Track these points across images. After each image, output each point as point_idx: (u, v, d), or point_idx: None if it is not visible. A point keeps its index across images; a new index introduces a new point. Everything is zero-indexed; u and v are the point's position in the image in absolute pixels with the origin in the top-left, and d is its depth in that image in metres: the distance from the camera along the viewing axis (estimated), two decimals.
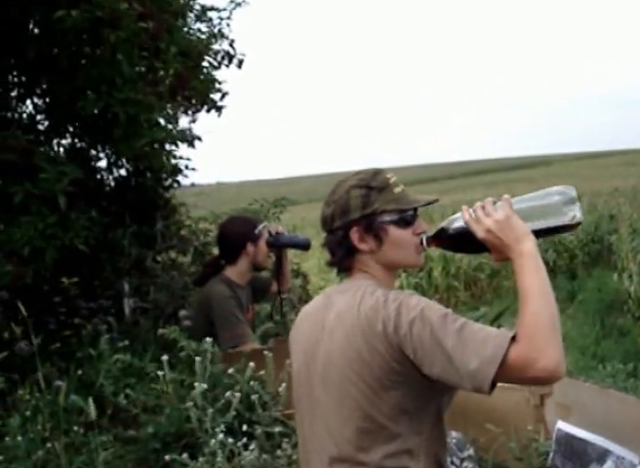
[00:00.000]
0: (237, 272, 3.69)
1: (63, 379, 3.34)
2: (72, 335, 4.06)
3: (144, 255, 4.92)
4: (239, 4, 5.62)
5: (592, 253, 11.87)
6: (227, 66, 5.56)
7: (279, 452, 2.67)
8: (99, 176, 5.15)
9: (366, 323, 1.67)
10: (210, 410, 2.77)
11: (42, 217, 3.67)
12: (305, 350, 1.87)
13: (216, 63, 5.50)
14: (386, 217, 1.80)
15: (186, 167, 5.25)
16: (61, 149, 4.89)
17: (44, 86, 4.61)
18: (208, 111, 5.46)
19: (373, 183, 1.82)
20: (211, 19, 5.47)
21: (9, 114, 4.64)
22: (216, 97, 5.49)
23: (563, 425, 2.37)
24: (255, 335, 3.66)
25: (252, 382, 2.95)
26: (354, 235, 1.81)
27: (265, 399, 2.94)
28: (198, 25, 5.43)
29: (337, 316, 1.77)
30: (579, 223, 1.79)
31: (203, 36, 5.39)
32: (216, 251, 4.15)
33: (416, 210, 1.85)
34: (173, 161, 5.09)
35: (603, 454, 2.18)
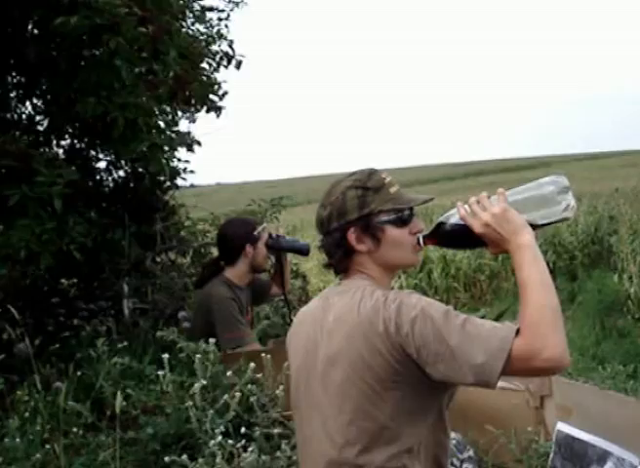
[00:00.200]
0: (236, 273, 3.69)
1: (63, 381, 3.34)
2: (71, 337, 4.06)
3: (144, 256, 4.92)
4: (237, 4, 5.62)
5: (592, 254, 11.85)
6: (226, 67, 5.56)
7: (278, 454, 2.67)
8: (98, 177, 5.15)
9: (367, 323, 1.67)
10: (210, 412, 2.77)
11: (39, 221, 3.66)
12: (304, 352, 1.86)
13: (215, 65, 5.49)
14: (384, 217, 1.80)
15: (185, 169, 5.25)
16: (60, 150, 4.89)
17: (43, 87, 4.60)
18: (207, 112, 5.46)
19: (369, 184, 1.81)
20: (210, 20, 5.47)
21: (8, 115, 4.64)
22: (215, 97, 5.49)
23: (563, 426, 2.36)
24: (254, 337, 3.66)
25: (249, 385, 2.94)
26: (352, 236, 1.80)
27: (263, 401, 2.93)
28: (197, 26, 5.43)
29: (336, 317, 1.77)
30: (573, 212, 1.80)
31: (202, 37, 5.38)
32: (215, 252, 4.15)
33: (412, 209, 1.85)
34: (172, 164, 5.09)
35: (603, 456, 2.17)
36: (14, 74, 4.67)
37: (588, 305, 8.73)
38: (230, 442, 2.65)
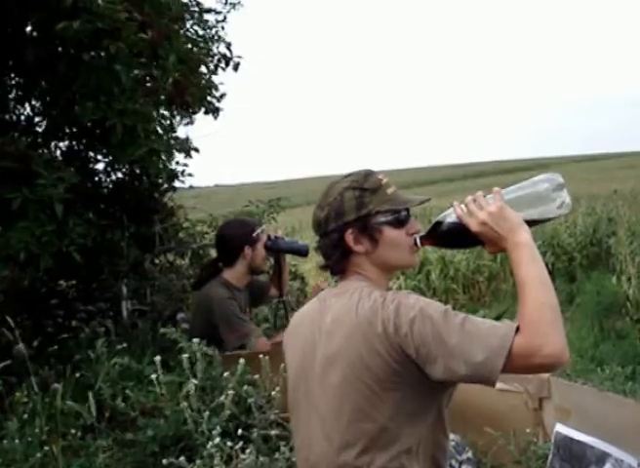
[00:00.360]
0: (235, 275, 3.69)
1: (61, 382, 3.34)
2: (70, 338, 4.06)
3: (142, 258, 4.92)
4: (234, 6, 5.63)
5: (591, 255, 11.85)
6: (224, 70, 5.57)
7: (277, 455, 2.67)
8: (96, 179, 5.15)
9: (365, 324, 1.67)
10: (206, 413, 2.77)
11: (39, 223, 3.66)
12: (301, 354, 1.86)
13: (212, 66, 5.50)
14: (381, 218, 1.80)
15: (183, 172, 5.26)
16: (59, 152, 4.89)
17: (43, 87, 4.60)
18: (205, 113, 5.47)
19: (366, 185, 1.82)
20: (207, 22, 5.48)
21: (7, 116, 4.64)
22: (212, 99, 5.50)
23: (562, 428, 2.36)
24: (259, 332, 3.65)
25: (245, 386, 2.94)
26: (349, 237, 1.80)
27: (260, 402, 2.93)
28: (196, 28, 5.44)
29: (334, 319, 1.77)
30: (568, 209, 1.82)
31: (200, 41, 5.39)
32: (214, 253, 4.15)
33: (408, 210, 1.86)
34: (170, 166, 5.09)
35: (602, 457, 2.17)
36: (12, 75, 4.67)
37: (587, 307, 8.73)
38: (229, 443, 2.65)
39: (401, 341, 1.61)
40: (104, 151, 4.95)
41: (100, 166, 5.17)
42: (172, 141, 4.90)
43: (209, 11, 5.52)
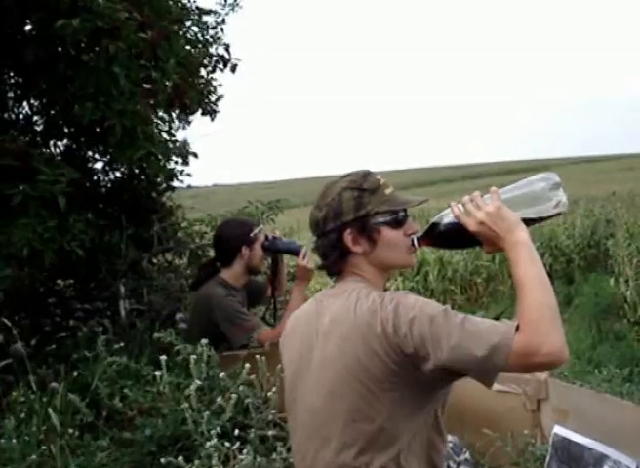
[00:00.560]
0: (232, 275, 3.69)
1: (59, 381, 3.33)
2: (68, 337, 4.05)
3: (140, 258, 4.91)
4: (233, 8, 5.64)
5: (589, 257, 11.87)
6: (222, 71, 5.58)
7: (274, 455, 2.67)
8: (95, 178, 5.14)
9: (364, 325, 1.67)
10: (205, 413, 2.77)
11: (41, 219, 3.67)
12: (298, 356, 1.86)
13: (210, 68, 5.51)
14: (380, 219, 1.81)
15: (182, 172, 5.25)
16: (58, 151, 4.89)
17: (42, 87, 4.60)
18: (203, 115, 5.47)
19: (365, 185, 1.82)
20: (206, 23, 5.48)
21: (5, 115, 4.64)
22: (211, 99, 5.51)
23: (560, 429, 2.36)
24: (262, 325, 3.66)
25: (241, 387, 2.94)
26: (348, 237, 1.81)
27: (257, 403, 2.93)
28: (195, 29, 5.44)
29: (331, 320, 1.77)
30: (564, 208, 1.83)
31: (200, 44, 5.39)
32: (212, 253, 4.15)
33: (406, 210, 1.86)
34: (168, 166, 5.09)
35: (599, 459, 2.17)
36: (12, 74, 4.67)
37: (585, 308, 8.74)
38: (227, 444, 2.65)
39: (400, 342, 1.61)
40: (103, 150, 4.95)
41: (99, 165, 5.17)
42: (170, 145, 4.89)
43: (208, 12, 5.52)
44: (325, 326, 1.78)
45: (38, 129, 4.80)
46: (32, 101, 4.79)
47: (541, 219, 1.86)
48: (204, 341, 3.09)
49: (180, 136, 5.36)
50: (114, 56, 3.79)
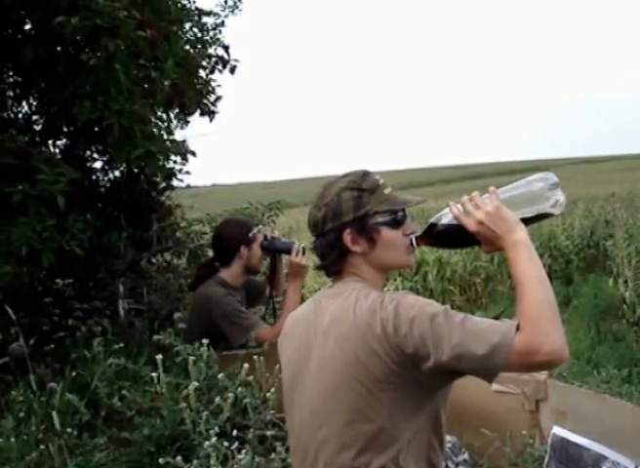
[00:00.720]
0: (231, 274, 3.69)
1: (57, 381, 3.33)
2: (66, 337, 4.05)
3: (139, 257, 4.91)
4: (232, 10, 5.64)
5: (588, 258, 11.88)
6: (221, 72, 5.58)
7: (273, 456, 2.67)
8: (94, 177, 5.15)
9: (363, 325, 1.66)
10: (204, 413, 2.77)
11: (40, 218, 3.67)
12: (297, 356, 1.86)
13: (209, 68, 5.51)
14: (379, 219, 1.81)
15: (180, 171, 5.26)
16: (57, 150, 4.89)
17: (41, 87, 4.60)
18: (201, 115, 5.48)
19: (364, 185, 1.82)
20: (206, 24, 5.49)
21: (5, 114, 4.64)
22: (209, 100, 5.51)
23: (558, 430, 2.36)
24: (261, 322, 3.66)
25: (240, 387, 2.94)
26: (347, 237, 1.80)
27: (255, 403, 2.93)
28: (194, 30, 5.44)
29: (331, 320, 1.76)
30: (562, 207, 1.84)
31: (199, 45, 5.40)
32: (211, 253, 4.15)
33: (404, 210, 1.86)
34: (167, 165, 5.09)
35: (598, 460, 2.17)
36: (11, 74, 4.67)
37: (584, 309, 8.75)
38: (225, 444, 2.65)
39: (400, 341, 1.61)
40: (102, 150, 4.95)
41: (98, 165, 5.17)
42: (168, 144, 4.90)
43: (208, 14, 5.53)
44: (324, 326, 1.78)
45: (37, 128, 4.81)
46: (31, 101, 4.79)
47: (540, 219, 1.87)
48: (204, 341, 3.10)
49: (178, 135, 5.37)
50: (113, 54, 3.79)
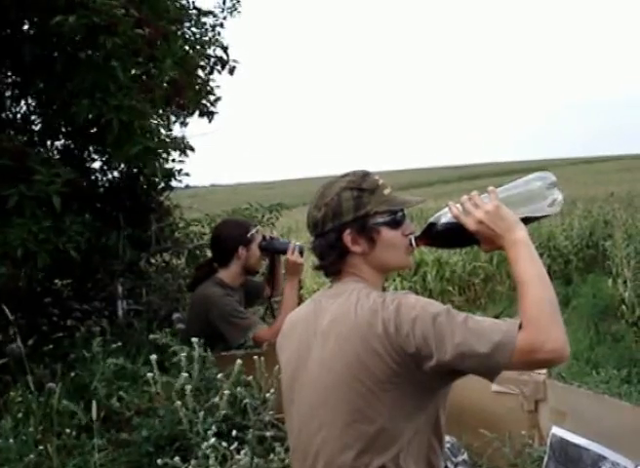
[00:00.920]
0: (229, 275, 3.69)
1: (56, 381, 3.33)
2: (65, 337, 4.05)
3: (138, 258, 4.91)
4: (231, 12, 5.64)
5: (587, 258, 11.89)
6: (220, 73, 5.58)
7: (272, 456, 2.66)
8: (92, 178, 5.14)
9: (364, 325, 1.66)
10: (201, 413, 2.76)
11: (36, 220, 3.66)
12: (297, 356, 1.85)
13: (208, 69, 5.51)
14: (379, 219, 1.81)
15: (179, 171, 5.25)
16: (55, 150, 4.88)
17: (39, 87, 4.59)
18: (200, 116, 5.48)
19: (364, 185, 1.82)
20: (205, 24, 5.48)
21: (3, 114, 4.63)
22: (208, 101, 5.51)
23: (557, 430, 2.36)
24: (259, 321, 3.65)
25: (239, 388, 2.94)
26: (347, 237, 1.81)
27: (254, 404, 2.92)
28: (194, 30, 5.44)
29: (331, 320, 1.76)
30: (559, 207, 1.85)
31: (197, 45, 5.39)
32: (210, 253, 4.15)
33: (403, 210, 1.86)
34: (166, 165, 5.09)
35: (597, 460, 2.17)
36: (9, 74, 4.66)
37: (583, 309, 8.74)
38: (224, 444, 2.64)
39: (402, 341, 1.61)
40: (100, 150, 4.94)
41: (97, 165, 5.16)
42: (167, 140, 4.89)
43: (207, 14, 5.52)
44: (324, 326, 1.77)
45: (36, 128, 4.80)
46: (30, 101, 4.78)
47: (537, 218, 1.88)
48: (201, 341, 3.09)
49: (177, 132, 5.37)
50: (111, 51, 3.79)
